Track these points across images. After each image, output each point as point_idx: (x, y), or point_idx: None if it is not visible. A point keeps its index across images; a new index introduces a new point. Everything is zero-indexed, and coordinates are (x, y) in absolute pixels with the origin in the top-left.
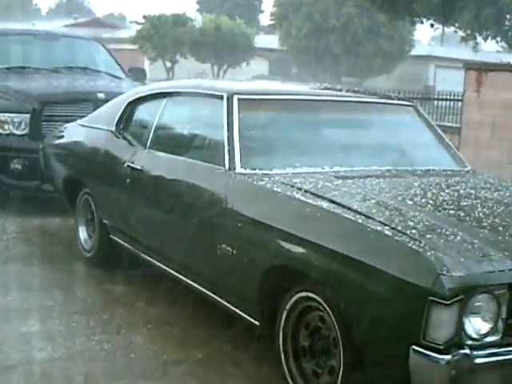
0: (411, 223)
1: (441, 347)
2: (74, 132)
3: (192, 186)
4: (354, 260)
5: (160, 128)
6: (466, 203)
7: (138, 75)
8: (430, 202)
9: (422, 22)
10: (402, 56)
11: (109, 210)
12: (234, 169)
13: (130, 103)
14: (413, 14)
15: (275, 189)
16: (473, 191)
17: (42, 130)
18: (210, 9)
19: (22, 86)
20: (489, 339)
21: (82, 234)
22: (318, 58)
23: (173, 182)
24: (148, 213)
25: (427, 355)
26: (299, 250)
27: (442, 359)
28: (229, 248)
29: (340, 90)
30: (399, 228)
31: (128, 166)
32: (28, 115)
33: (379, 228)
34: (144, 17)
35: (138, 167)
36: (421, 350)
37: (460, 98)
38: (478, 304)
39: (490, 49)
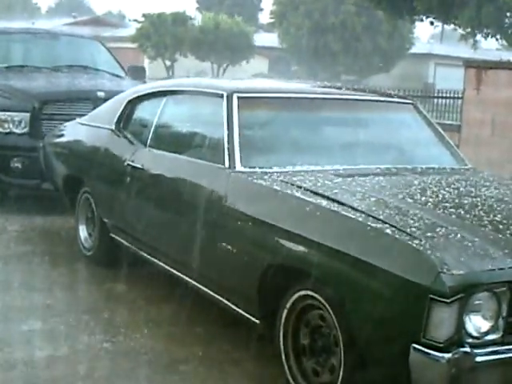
0: (411, 221)
1: (441, 345)
2: (74, 131)
3: (192, 184)
4: (355, 258)
5: (160, 126)
6: (466, 201)
7: (138, 74)
8: (431, 200)
9: (421, 20)
10: (401, 54)
11: (109, 209)
12: (234, 167)
13: (129, 102)
14: (412, 11)
15: (275, 187)
16: (473, 189)
17: (42, 129)
18: (210, 7)
19: (22, 85)
20: (489, 337)
21: (83, 232)
22: (318, 56)
23: (173, 181)
24: (148, 211)
25: (428, 353)
26: (299, 248)
27: (443, 357)
28: (229, 246)
29: (340, 88)
30: (399, 226)
31: (128, 164)
32: (28, 114)
33: (379, 226)
34: (144, 15)
35: (138, 166)
36: (421, 348)
37: (460, 95)
38: (478, 302)
39: (489, 47)
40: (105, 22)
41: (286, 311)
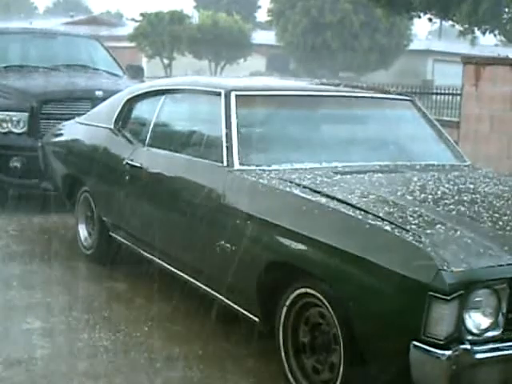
0: (411, 218)
1: (441, 342)
2: (72, 130)
3: (190, 182)
4: (354, 256)
5: (158, 125)
6: (465, 198)
7: (136, 73)
8: (430, 197)
9: (419, 17)
10: (399, 51)
11: (108, 208)
12: (233, 165)
13: (128, 101)
14: (410, 8)
15: (274, 185)
16: (472, 186)
17: (40, 128)
18: (207, 5)
19: (21, 85)
20: (489, 334)
21: (82, 231)
22: (315, 53)
23: (171, 179)
24: (147, 210)
25: (428, 351)
26: (298, 246)
27: (443, 355)
28: (227, 244)
29: (338, 85)
30: (399, 223)
31: (127, 163)
32: (27, 113)
33: (379, 223)
34: (141, 14)
35: (137, 164)
36: (421, 345)
37: (458, 92)
38: (478, 299)
39: (488, 42)
40: (102, 21)
41: (285, 309)
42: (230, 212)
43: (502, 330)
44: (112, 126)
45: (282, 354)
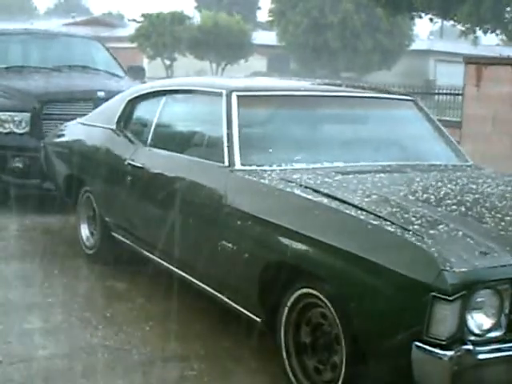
0: (413, 219)
1: (443, 343)
2: (74, 130)
3: (192, 183)
4: (356, 256)
5: (160, 126)
6: (467, 198)
7: (137, 73)
8: (432, 197)
9: (420, 17)
10: (401, 51)
11: (110, 208)
12: (234, 165)
13: (129, 101)
14: (412, 8)
15: (275, 185)
16: (474, 186)
17: (42, 129)
18: (208, 6)
19: (23, 85)
20: (492, 335)
21: (84, 231)
22: (317, 53)
23: (173, 180)
24: (149, 210)
25: (430, 351)
26: (300, 246)
27: (445, 355)
28: (229, 244)
29: (339, 86)
30: (401, 223)
31: (129, 163)
32: (28, 114)
33: (381, 224)
34: (142, 15)
35: (139, 165)
36: (423, 345)
37: (460, 92)
38: (480, 299)
39: (489, 42)
40: (104, 22)
41: (286, 309)
42: (232, 212)
43: (504, 330)
44: (114, 127)
45: (284, 354)
